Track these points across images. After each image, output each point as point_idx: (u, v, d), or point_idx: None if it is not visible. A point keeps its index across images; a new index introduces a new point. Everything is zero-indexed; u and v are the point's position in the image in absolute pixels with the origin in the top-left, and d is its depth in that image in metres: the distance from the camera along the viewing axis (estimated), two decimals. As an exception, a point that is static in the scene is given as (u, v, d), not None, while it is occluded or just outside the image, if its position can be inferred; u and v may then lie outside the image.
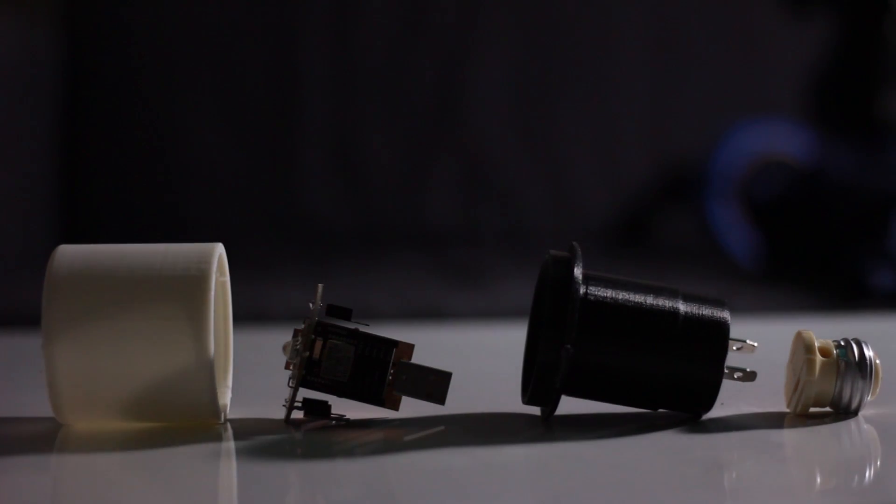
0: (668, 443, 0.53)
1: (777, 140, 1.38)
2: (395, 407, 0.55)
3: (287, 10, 1.40)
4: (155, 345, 0.51)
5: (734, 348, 0.55)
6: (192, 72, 1.39)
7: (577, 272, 0.53)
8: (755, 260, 1.33)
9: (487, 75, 1.43)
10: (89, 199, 1.37)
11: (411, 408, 0.56)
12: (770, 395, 0.58)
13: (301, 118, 1.40)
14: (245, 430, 0.54)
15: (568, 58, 1.45)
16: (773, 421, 0.56)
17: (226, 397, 0.57)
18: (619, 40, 1.45)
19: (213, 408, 0.53)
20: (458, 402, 0.56)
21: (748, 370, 0.55)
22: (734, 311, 0.55)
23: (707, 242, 1.38)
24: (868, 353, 0.55)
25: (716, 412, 0.55)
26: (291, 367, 0.54)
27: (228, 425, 0.55)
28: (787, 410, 0.56)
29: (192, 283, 0.52)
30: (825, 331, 0.57)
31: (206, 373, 0.52)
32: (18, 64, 1.25)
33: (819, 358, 0.55)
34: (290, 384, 0.54)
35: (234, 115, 1.39)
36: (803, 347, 0.55)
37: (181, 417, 0.53)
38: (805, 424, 0.55)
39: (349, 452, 0.52)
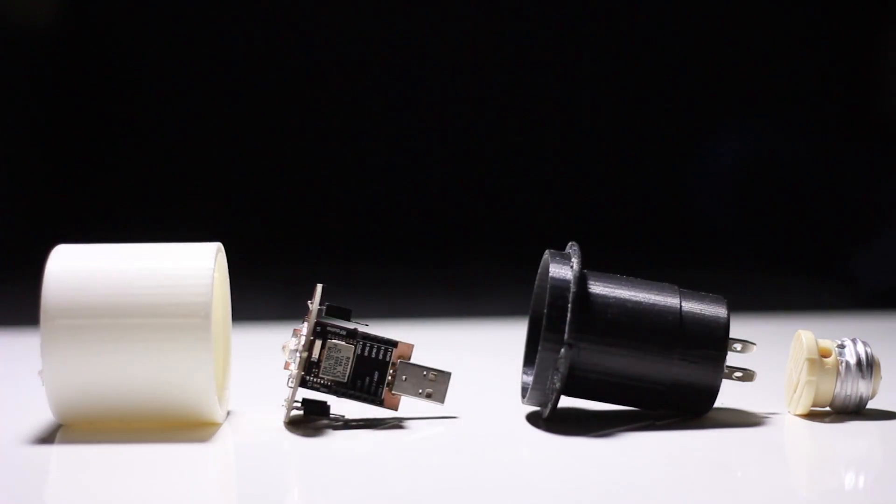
0: (668, 443, 0.53)
1: (774, 139, 1.38)
2: (395, 407, 0.55)
3: (287, 9, 1.40)
4: (154, 345, 0.51)
5: (735, 348, 0.55)
6: (192, 69, 1.39)
7: (576, 271, 0.53)
8: (754, 258, 1.33)
9: (483, 75, 1.43)
10: (87, 197, 1.37)
11: (411, 408, 0.56)
12: (770, 395, 0.58)
13: (301, 118, 1.40)
14: (244, 430, 0.54)
15: (562, 57, 1.45)
16: (773, 421, 0.56)
17: (225, 398, 0.56)
18: (614, 40, 1.45)
19: (213, 408, 0.53)
20: (458, 401, 0.56)
21: (748, 370, 0.55)
22: (734, 310, 0.55)
23: (706, 240, 1.38)
24: (868, 353, 0.55)
25: (715, 412, 0.55)
26: (291, 367, 0.54)
27: (228, 426, 0.54)
28: (788, 411, 0.56)
29: (193, 287, 0.52)
30: (825, 331, 0.57)
31: (206, 373, 0.52)
32: (15, 58, 1.25)
33: (819, 358, 0.55)
34: (290, 384, 0.54)
35: (233, 113, 1.39)
36: (803, 348, 0.55)
37: (180, 418, 0.53)
38: (805, 424, 0.55)
39: (348, 452, 0.52)
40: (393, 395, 0.55)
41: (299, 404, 0.54)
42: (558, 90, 1.45)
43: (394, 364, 0.54)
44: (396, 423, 0.55)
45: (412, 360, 0.55)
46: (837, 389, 0.55)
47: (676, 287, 0.55)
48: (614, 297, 0.54)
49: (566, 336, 0.52)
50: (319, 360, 0.54)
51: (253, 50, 1.40)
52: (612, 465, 0.50)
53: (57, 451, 0.52)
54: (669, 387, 0.54)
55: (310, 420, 0.55)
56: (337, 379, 0.54)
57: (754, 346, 0.55)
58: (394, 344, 0.54)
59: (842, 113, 1.41)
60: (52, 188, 1.35)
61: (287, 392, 0.54)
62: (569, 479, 0.49)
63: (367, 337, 0.54)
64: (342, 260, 1.31)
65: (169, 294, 0.52)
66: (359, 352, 0.54)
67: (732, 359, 0.55)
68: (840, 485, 0.49)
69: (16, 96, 1.27)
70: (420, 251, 1.35)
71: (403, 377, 0.54)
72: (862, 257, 1.17)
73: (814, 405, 0.55)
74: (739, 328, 0.55)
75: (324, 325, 0.54)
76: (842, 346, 0.55)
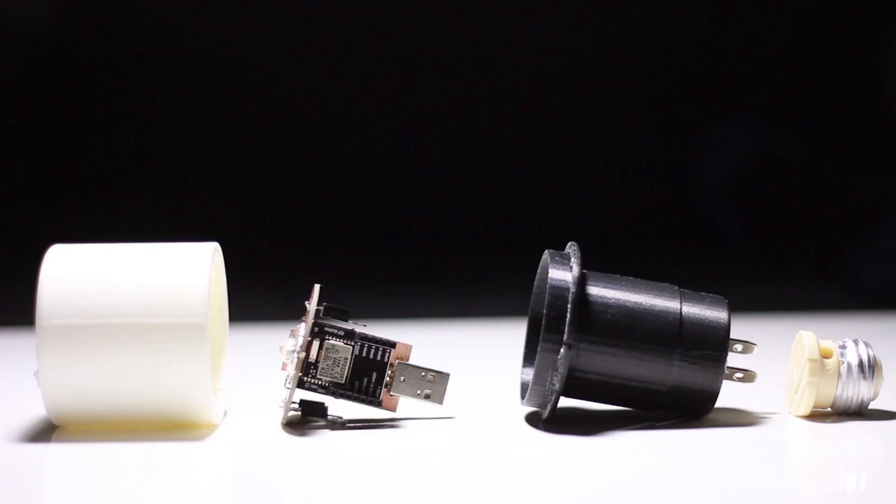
0: (668, 443, 0.52)
1: (775, 138, 1.38)
2: (393, 408, 0.54)
3: (285, 8, 1.40)
4: (150, 346, 0.51)
5: (736, 349, 0.55)
6: (190, 67, 1.38)
7: (576, 271, 0.53)
8: (754, 258, 1.33)
9: (483, 73, 1.43)
10: (84, 196, 1.36)
11: (409, 409, 0.55)
12: (770, 396, 0.58)
13: (299, 117, 1.40)
14: (241, 431, 0.54)
15: (562, 56, 1.44)
16: (773, 422, 0.55)
17: (221, 398, 0.56)
18: (613, 37, 1.45)
19: (209, 409, 0.52)
20: (457, 402, 0.56)
21: (749, 371, 0.55)
22: (734, 310, 0.55)
23: (706, 240, 1.38)
24: (870, 354, 0.55)
25: (716, 413, 0.55)
26: (288, 368, 0.54)
27: (224, 427, 0.54)
28: (788, 412, 0.56)
29: (189, 288, 0.52)
30: (825, 331, 0.57)
31: (202, 374, 0.51)
32: (13, 56, 1.25)
33: (821, 359, 0.54)
34: (287, 385, 0.54)
35: (231, 112, 1.39)
36: (804, 349, 0.55)
37: (177, 419, 0.53)
38: (805, 425, 0.55)
39: (346, 454, 0.51)
40: (391, 396, 0.54)
41: (297, 405, 0.54)
42: (558, 89, 1.45)
43: (392, 365, 0.54)
44: (395, 425, 0.55)
45: (411, 361, 0.54)
46: (839, 391, 0.54)
47: (677, 287, 0.55)
48: (614, 298, 0.53)
49: (565, 337, 0.52)
50: (317, 360, 0.54)
51: (251, 48, 1.40)
52: (612, 465, 0.50)
53: (53, 450, 0.52)
54: (670, 388, 0.53)
55: (307, 421, 0.54)
56: (335, 380, 0.54)
57: (755, 347, 0.55)
58: (392, 344, 0.54)
59: (842, 112, 1.40)
60: (48, 186, 1.35)
61: (284, 393, 0.54)
62: (568, 479, 0.48)
63: (364, 337, 0.54)
64: (341, 260, 1.31)
65: (165, 295, 0.51)
66: (357, 352, 0.54)
67: (733, 359, 0.54)
68: (841, 486, 0.49)
69: (12, 95, 1.27)
70: (419, 251, 1.34)
71: (402, 378, 0.54)
72: (862, 256, 1.17)
73: (815, 406, 0.55)
74: (740, 328, 0.55)
75: (321, 326, 0.54)
76: (843, 347, 0.55)
